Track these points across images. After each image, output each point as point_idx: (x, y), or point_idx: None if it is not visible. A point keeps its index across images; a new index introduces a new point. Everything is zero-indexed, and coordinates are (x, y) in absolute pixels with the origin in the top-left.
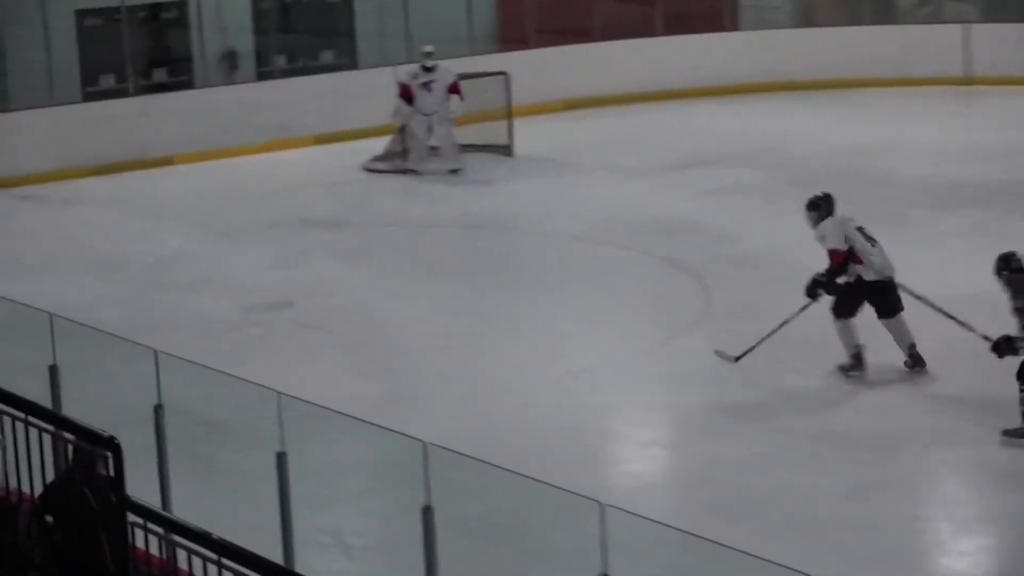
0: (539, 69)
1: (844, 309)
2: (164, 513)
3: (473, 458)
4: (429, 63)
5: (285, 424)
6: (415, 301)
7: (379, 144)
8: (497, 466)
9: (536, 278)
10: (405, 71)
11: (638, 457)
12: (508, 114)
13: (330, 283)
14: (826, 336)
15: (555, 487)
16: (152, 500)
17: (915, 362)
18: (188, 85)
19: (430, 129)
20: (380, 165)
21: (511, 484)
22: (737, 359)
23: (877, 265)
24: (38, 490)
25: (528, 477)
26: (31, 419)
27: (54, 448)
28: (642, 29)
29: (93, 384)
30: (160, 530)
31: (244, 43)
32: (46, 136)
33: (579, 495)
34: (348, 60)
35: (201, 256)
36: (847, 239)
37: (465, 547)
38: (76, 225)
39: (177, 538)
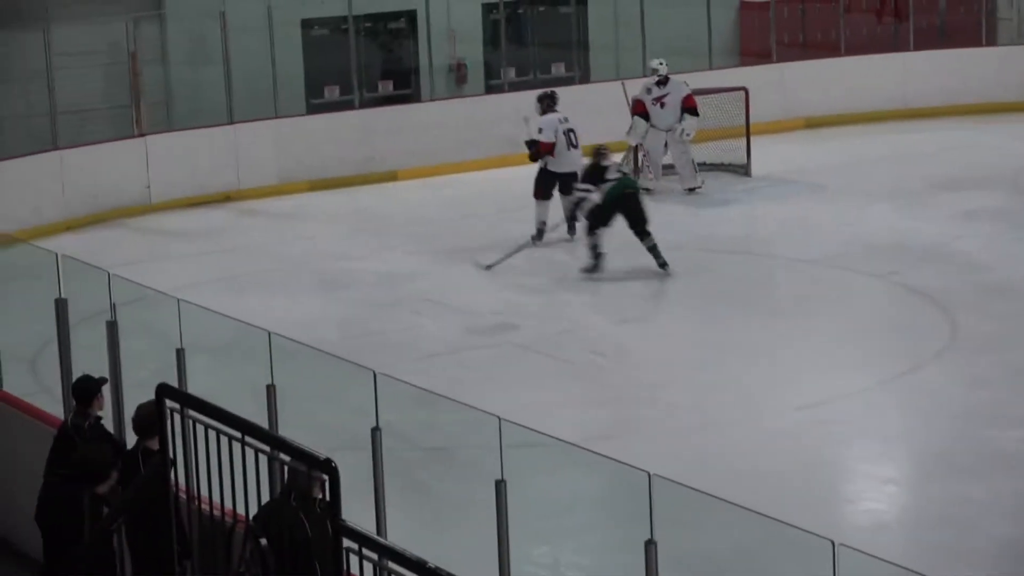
0: (780, 85)
1: (540, 192)
2: (379, 539)
3: (700, 491)
4: (661, 74)
5: (505, 451)
6: (644, 327)
7: None
8: (725, 500)
9: (771, 304)
10: (636, 86)
11: (875, 494)
12: (746, 132)
13: (557, 306)
14: None
15: (785, 524)
16: (367, 526)
17: (538, 237)
18: (414, 98)
19: (666, 146)
20: None
21: (739, 520)
22: (488, 267)
23: (560, 163)
24: (253, 512)
25: (757, 513)
26: (248, 439)
27: (270, 469)
28: (892, 43)
29: (310, 405)
30: (375, 556)
31: (473, 54)
32: (269, 149)
33: (811, 533)
34: (581, 73)
35: (425, 275)
36: (556, 135)
37: None
38: (297, 241)
39: (392, 565)
